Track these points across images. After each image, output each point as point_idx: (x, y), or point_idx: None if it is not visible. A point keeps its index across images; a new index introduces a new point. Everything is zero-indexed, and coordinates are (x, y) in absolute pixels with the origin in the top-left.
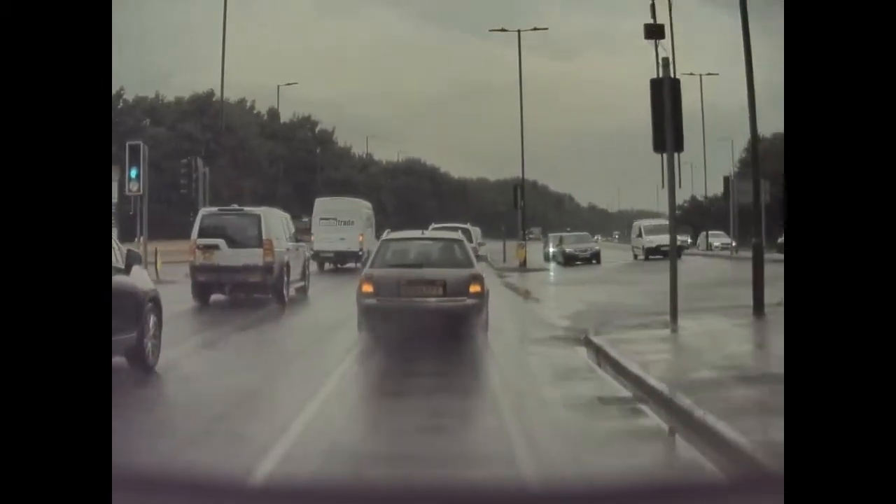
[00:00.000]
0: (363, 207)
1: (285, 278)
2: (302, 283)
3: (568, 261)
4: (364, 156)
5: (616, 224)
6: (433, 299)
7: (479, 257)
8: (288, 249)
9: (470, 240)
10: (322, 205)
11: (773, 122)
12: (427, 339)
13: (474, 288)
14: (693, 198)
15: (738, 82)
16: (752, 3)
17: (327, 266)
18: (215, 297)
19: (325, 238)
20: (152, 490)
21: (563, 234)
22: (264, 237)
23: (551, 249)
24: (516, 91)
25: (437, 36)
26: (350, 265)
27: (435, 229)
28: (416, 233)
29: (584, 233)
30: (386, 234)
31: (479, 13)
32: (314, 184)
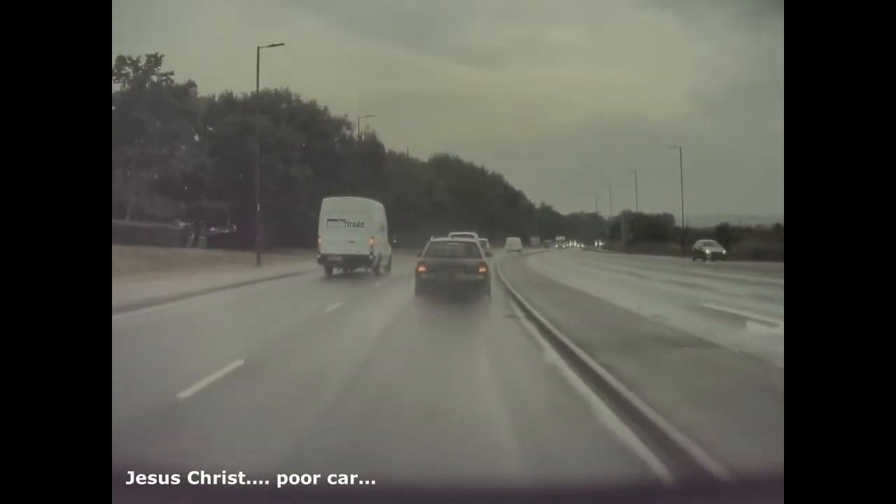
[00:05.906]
0: (374, 208)
1: None
2: None
3: None
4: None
5: (569, 229)
6: (458, 275)
7: (487, 254)
8: None
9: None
10: (330, 205)
11: (706, 129)
12: (455, 297)
13: (482, 269)
14: None
15: (671, 89)
16: (688, 8)
17: (336, 271)
18: None
19: (333, 241)
20: (153, 490)
21: None
22: None
23: None
24: (446, 98)
25: (364, 45)
26: (360, 270)
27: (453, 236)
28: (448, 238)
29: None
30: (431, 239)
31: (406, 24)
32: None
